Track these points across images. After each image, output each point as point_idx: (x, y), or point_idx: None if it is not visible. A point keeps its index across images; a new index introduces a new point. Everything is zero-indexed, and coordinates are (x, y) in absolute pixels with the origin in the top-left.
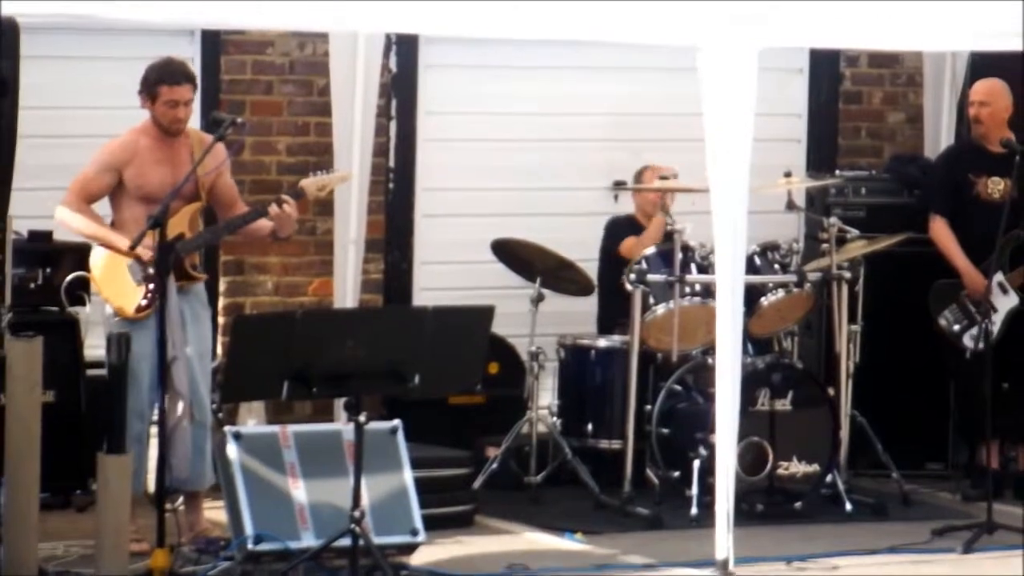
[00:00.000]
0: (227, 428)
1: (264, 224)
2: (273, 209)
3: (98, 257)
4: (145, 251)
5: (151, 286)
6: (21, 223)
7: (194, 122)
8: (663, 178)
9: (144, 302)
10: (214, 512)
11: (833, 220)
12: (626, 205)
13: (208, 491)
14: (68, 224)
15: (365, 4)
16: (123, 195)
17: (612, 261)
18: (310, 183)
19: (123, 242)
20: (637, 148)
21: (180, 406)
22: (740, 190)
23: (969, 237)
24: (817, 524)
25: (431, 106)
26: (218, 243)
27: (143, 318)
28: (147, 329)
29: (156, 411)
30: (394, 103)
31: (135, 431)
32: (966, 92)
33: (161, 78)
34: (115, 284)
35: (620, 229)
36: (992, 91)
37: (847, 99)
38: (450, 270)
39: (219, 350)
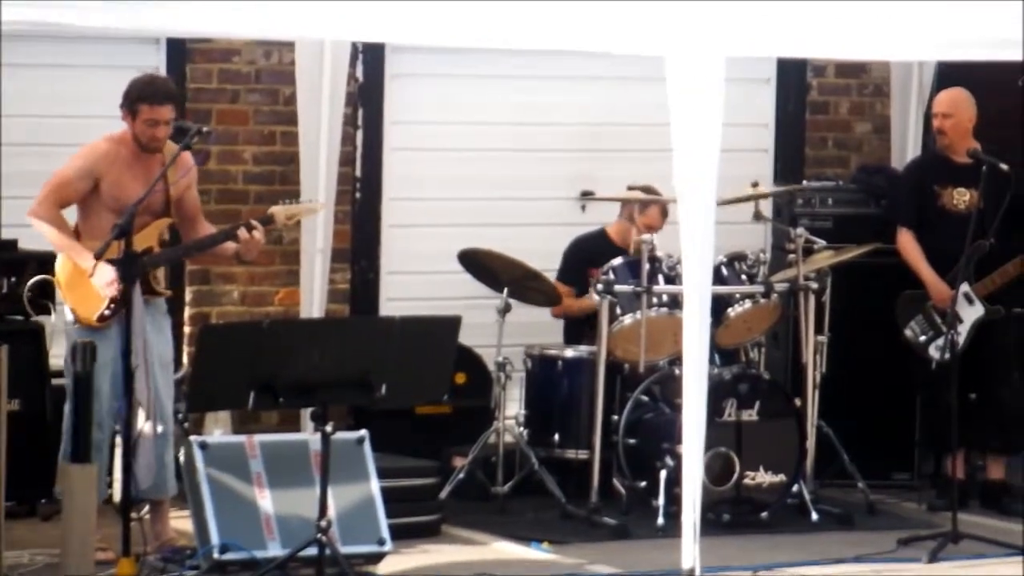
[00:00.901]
0: (193, 438)
1: (229, 245)
2: (243, 234)
3: (64, 261)
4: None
5: (115, 296)
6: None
7: None
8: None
9: (108, 311)
10: (180, 522)
11: (800, 230)
12: (593, 215)
13: (174, 501)
14: (40, 229)
15: (331, 12)
16: (95, 203)
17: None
18: (280, 211)
19: (89, 261)
20: (604, 158)
21: (141, 415)
22: (707, 200)
23: (935, 248)
24: (783, 534)
25: (398, 115)
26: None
27: (104, 327)
28: (108, 339)
29: (118, 420)
30: (360, 112)
31: (95, 440)
32: (932, 102)
33: (142, 96)
34: (79, 290)
35: (579, 256)
36: (955, 102)
37: (814, 109)
38: (417, 280)
39: (185, 360)
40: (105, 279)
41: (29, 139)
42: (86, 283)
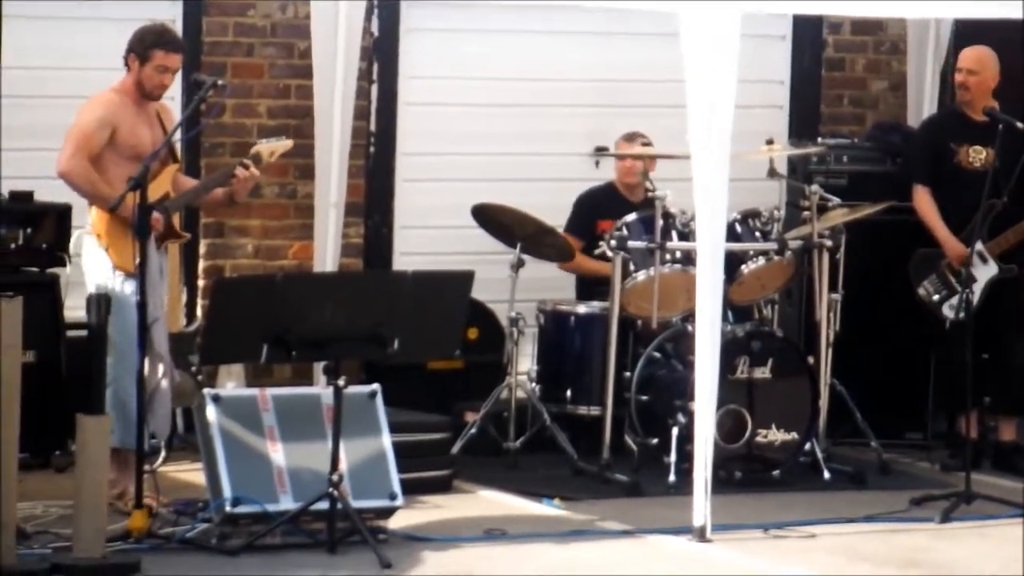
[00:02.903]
0: (206, 390)
1: (219, 190)
2: (240, 171)
3: (100, 212)
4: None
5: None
6: (2, 183)
7: (175, 85)
8: (645, 144)
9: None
10: (192, 474)
11: (815, 188)
12: (606, 171)
13: (187, 452)
14: (76, 182)
15: None
16: (112, 153)
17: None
18: (264, 148)
19: (125, 208)
20: (618, 114)
21: (160, 368)
22: (721, 157)
23: (950, 206)
24: (795, 492)
25: (412, 70)
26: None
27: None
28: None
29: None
30: (375, 67)
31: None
32: (950, 60)
33: (158, 42)
34: (120, 239)
35: (589, 208)
36: (981, 59)
37: (830, 66)
38: (430, 235)
39: (198, 313)
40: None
41: (47, 92)
42: (126, 232)
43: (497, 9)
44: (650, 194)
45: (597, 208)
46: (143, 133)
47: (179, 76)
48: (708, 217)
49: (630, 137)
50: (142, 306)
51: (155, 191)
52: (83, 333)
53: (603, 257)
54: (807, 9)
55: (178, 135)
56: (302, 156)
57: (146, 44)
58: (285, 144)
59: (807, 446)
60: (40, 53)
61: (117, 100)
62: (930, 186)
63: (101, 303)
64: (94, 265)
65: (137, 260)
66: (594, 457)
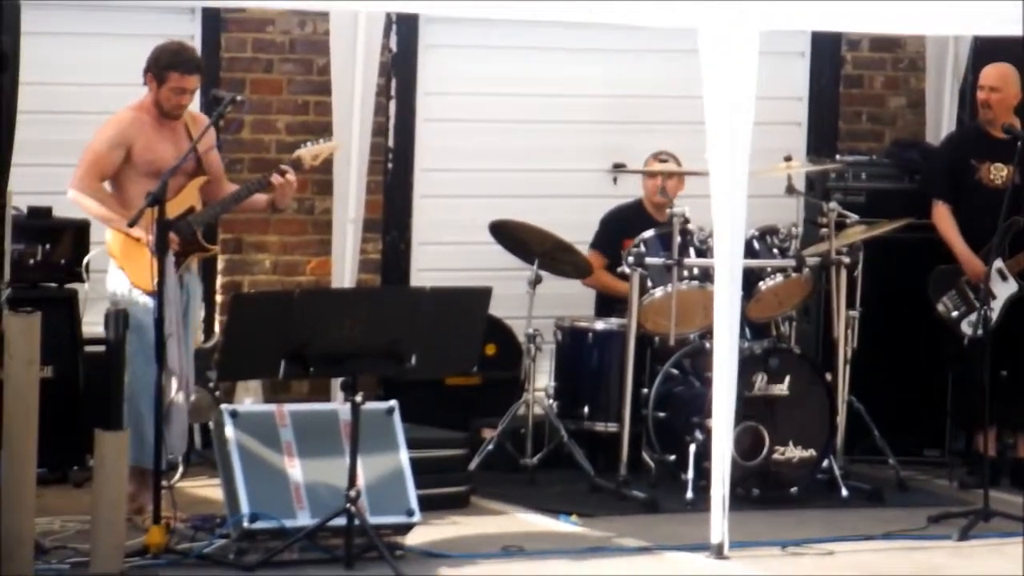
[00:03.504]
0: (224, 406)
1: (261, 197)
2: (276, 179)
3: (116, 232)
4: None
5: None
6: (20, 199)
7: (194, 101)
8: (662, 160)
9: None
10: (210, 490)
11: (833, 205)
12: (624, 187)
13: (204, 468)
14: (84, 206)
15: None
16: (129, 171)
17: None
18: (305, 152)
19: (138, 231)
20: (636, 130)
21: (174, 383)
22: (740, 174)
23: (970, 223)
24: (812, 509)
25: (431, 86)
26: (219, 220)
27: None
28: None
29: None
30: (394, 83)
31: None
32: (968, 77)
33: (173, 64)
34: (135, 259)
35: (615, 225)
36: (1004, 77)
37: (848, 83)
38: (448, 251)
39: (216, 328)
40: None
41: (66, 107)
42: (141, 251)
43: (515, 26)
44: (668, 211)
45: (623, 226)
46: (163, 149)
47: (198, 92)
48: (726, 234)
49: (661, 157)
50: (159, 322)
51: (180, 205)
52: (101, 348)
53: (624, 276)
54: (826, 26)
55: (203, 147)
56: (320, 172)
57: (162, 65)
58: (331, 146)
59: (825, 463)
60: (57, 68)
61: (132, 117)
62: (950, 203)
63: (119, 319)
64: (113, 283)
65: (156, 277)
66: (611, 474)
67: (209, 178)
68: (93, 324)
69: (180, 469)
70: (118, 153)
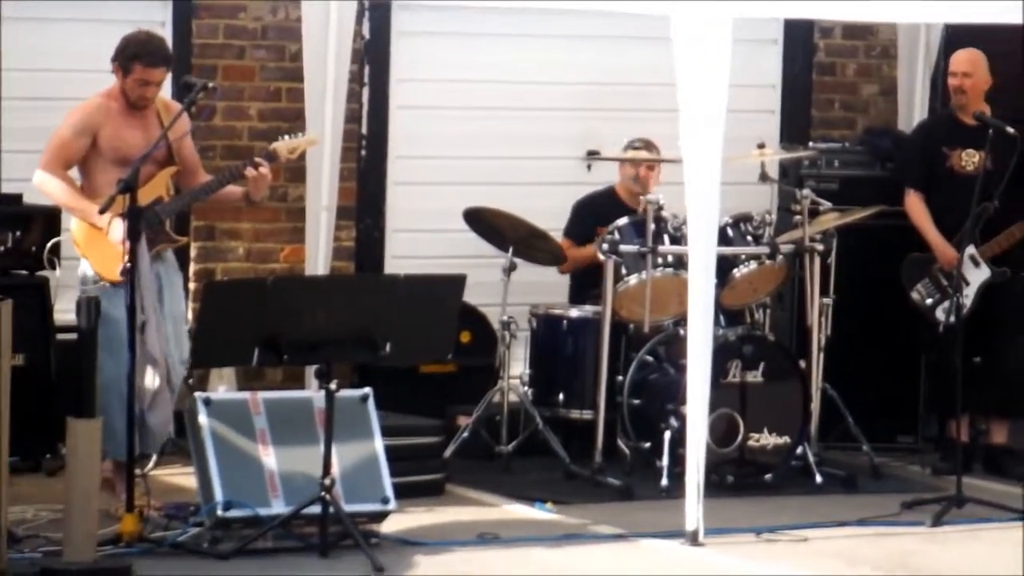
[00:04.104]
0: (197, 394)
1: (235, 189)
2: (249, 171)
3: (80, 221)
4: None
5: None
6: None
7: (166, 87)
8: (635, 148)
9: (129, 266)
10: (184, 478)
11: (806, 192)
12: (599, 175)
13: (178, 457)
14: (47, 192)
15: None
16: (97, 159)
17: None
18: (281, 146)
19: (102, 219)
20: (611, 118)
21: (150, 370)
22: (713, 161)
23: (943, 210)
24: (787, 496)
25: (403, 73)
26: (191, 208)
27: (125, 282)
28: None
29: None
30: (367, 69)
31: (125, 396)
32: (940, 64)
33: (138, 55)
34: (98, 248)
35: (587, 212)
36: (974, 62)
37: (821, 71)
38: (422, 238)
39: (189, 316)
40: (121, 236)
41: (39, 94)
42: (104, 241)
43: (488, 12)
44: (642, 198)
45: (595, 213)
46: (131, 136)
47: (169, 77)
48: (700, 221)
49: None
50: (132, 309)
51: (148, 194)
52: (73, 336)
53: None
54: (798, 14)
55: (175, 136)
56: (293, 159)
57: (127, 55)
58: (308, 140)
59: (799, 450)
60: (31, 55)
61: (98, 104)
62: (922, 191)
63: (91, 306)
64: (81, 273)
65: (127, 265)
66: (586, 461)
67: (180, 168)
68: (65, 311)
69: (154, 457)
70: (83, 140)
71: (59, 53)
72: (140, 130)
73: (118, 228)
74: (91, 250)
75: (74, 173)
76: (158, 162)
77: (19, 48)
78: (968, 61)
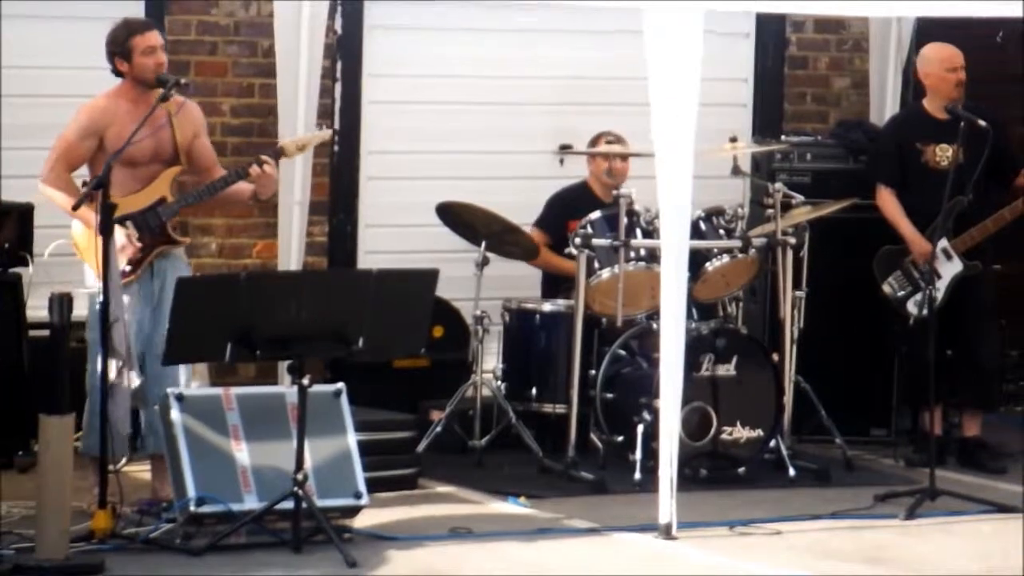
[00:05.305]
0: (170, 390)
1: (244, 187)
2: (254, 170)
3: (80, 224)
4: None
5: (137, 249)
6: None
7: None
8: (608, 142)
9: (128, 268)
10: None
11: (778, 185)
12: (571, 168)
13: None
14: (51, 198)
15: None
16: (104, 159)
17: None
18: (289, 143)
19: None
20: (583, 112)
21: (113, 365)
22: (685, 154)
23: (918, 205)
24: (760, 489)
25: (376, 68)
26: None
27: (128, 283)
28: (132, 294)
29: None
30: (339, 65)
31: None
32: (911, 58)
33: (130, 31)
34: (97, 252)
35: (560, 206)
36: (961, 55)
37: (793, 64)
38: (395, 233)
39: None
40: (119, 242)
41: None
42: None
43: (461, 7)
44: (614, 192)
45: (568, 208)
46: (139, 134)
47: None
48: (672, 215)
49: (608, 138)
50: (105, 305)
51: (151, 195)
52: (46, 333)
53: (571, 257)
54: (770, 7)
55: (185, 137)
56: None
57: (121, 39)
58: (321, 135)
59: (772, 443)
60: (31, 52)
61: (103, 105)
62: (894, 186)
63: (63, 302)
64: (85, 275)
65: (125, 267)
66: (560, 455)
67: (189, 167)
68: (38, 308)
69: (126, 454)
70: (89, 142)
71: (35, 50)
72: (148, 128)
73: (116, 235)
74: (90, 254)
75: (83, 172)
76: (164, 161)
77: (17, 45)
78: (959, 55)
